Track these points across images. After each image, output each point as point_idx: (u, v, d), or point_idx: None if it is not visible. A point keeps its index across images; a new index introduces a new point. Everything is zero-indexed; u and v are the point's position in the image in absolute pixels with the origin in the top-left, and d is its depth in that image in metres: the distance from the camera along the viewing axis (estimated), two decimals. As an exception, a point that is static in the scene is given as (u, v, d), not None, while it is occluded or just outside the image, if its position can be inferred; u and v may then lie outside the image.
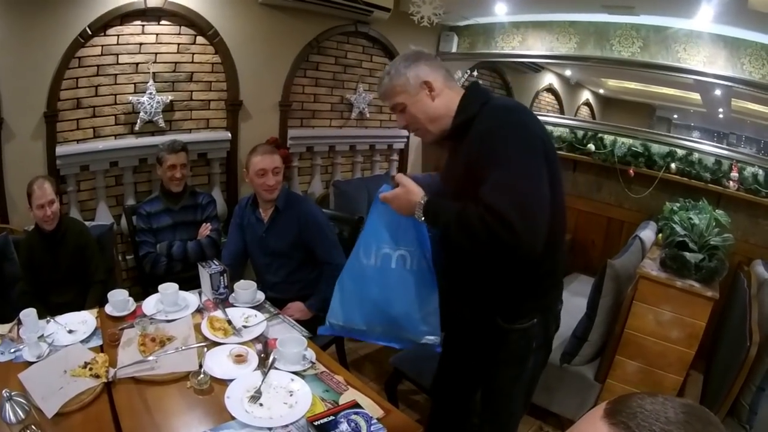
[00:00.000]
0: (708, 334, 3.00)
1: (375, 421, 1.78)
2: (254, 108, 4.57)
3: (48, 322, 2.38)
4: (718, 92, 4.43)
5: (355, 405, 1.88)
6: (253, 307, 2.72)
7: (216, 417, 1.86)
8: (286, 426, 1.80)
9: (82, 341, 2.27)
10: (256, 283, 2.93)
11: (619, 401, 0.79)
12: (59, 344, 2.22)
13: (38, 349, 2.13)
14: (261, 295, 2.84)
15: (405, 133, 5.93)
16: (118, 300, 2.54)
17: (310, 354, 2.27)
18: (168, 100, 4.05)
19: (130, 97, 3.88)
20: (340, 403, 1.97)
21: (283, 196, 3.19)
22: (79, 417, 1.81)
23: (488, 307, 2.06)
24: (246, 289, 2.76)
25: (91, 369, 2.00)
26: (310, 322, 2.98)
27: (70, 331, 2.33)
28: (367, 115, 5.55)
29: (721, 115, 4.56)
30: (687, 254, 3.01)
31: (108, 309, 2.53)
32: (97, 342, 2.30)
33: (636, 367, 3.16)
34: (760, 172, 4.04)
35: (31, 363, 2.07)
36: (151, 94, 3.94)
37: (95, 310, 2.54)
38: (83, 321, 2.43)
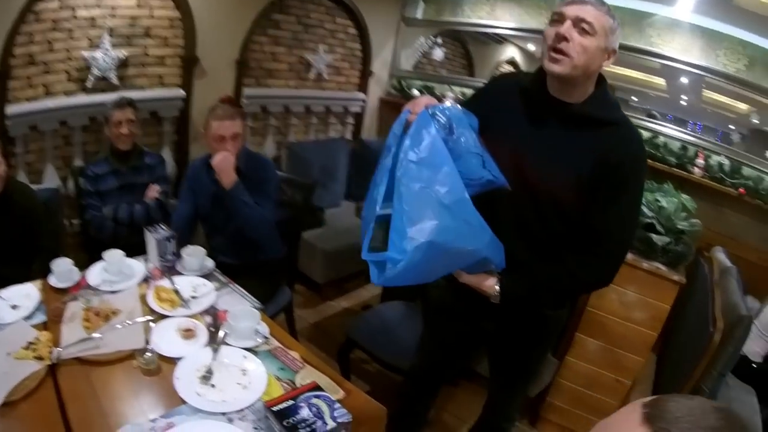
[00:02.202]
0: (669, 317, 3.01)
1: (338, 405, 1.67)
2: (210, 65, 4.41)
3: None
4: (684, 80, 4.47)
5: (316, 387, 1.75)
6: (202, 276, 2.56)
7: (166, 400, 1.73)
8: (241, 410, 1.69)
9: (25, 318, 2.09)
10: (205, 245, 2.80)
11: (656, 405, 0.77)
12: (3, 322, 2.04)
13: None
14: (210, 263, 2.69)
15: (362, 96, 5.88)
16: (62, 270, 2.36)
17: (263, 328, 2.15)
18: (123, 56, 3.86)
19: (84, 53, 3.68)
20: (297, 383, 1.88)
21: (243, 158, 3.03)
22: (24, 406, 1.67)
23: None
24: (194, 255, 2.61)
25: (34, 350, 1.85)
26: (262, 291, 2.88)
27: (14, 307, 2.14)
28: (325, 77, 5.43)
29: (683, 102, 4.62)
30: (654, 236, 2.98)
31: (52, 280, 2.35)
32: (40, 318, 2.12)
33: (597, 346, 3.15)
34: (726, 162, 4.09)
35: None
36: (106, 49, 3.74)
37: (39, 282, 2.36)
38: (27, 295, 2.23)
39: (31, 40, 3.44)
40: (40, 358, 1.81)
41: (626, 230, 1.86)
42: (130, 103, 3.37)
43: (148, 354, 1.85)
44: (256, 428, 1.63)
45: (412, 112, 1.71)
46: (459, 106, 1.74)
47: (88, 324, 2.02)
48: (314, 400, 1.67)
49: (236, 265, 3.07)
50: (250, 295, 2.50)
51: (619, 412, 0.81)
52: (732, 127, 4.51)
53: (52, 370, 1.81)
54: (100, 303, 2.17)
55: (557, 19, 1.72)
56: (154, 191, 3.44)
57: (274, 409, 1.62)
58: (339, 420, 1.60)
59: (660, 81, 4.67)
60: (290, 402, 1.65)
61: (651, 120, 4.45)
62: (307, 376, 1.92)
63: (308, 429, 1.56)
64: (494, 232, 1.70)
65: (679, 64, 4.20)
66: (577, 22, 1.69)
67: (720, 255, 3.80)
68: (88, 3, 3.62)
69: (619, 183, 1.75)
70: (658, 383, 3.74)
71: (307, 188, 3.57)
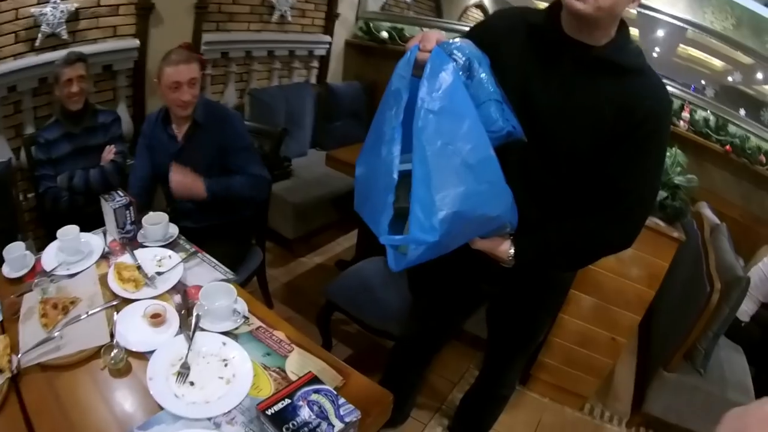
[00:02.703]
0: None
1: (343, 401, 1.46)
2: (167, 11, 4.07)
3: None
4: (660, 32, 4.44)
5: (313, 379, 1.53)
6: (166, 246, 2.33)
7: (142, 407, 1.52)
8: (229, 413, 1.49)
9: None
10: (167, 210, 2.60)
11: None
12: None
13: None
14: (174, 229, 2.45)
15: (327, 39, 5.65)
16: (15, 257, 2.08)
17: (242, 306, 1.92)
18: (73, 8, 3.51)
19: (32, 9, 3.33)
20: (288, 371, 1.67)
21: (201, 108, 2.81)
22: None
23: None
24: (156, 223, 2.37)
25: None
26: (233, 255, 2.80)
27: None
28: (289, 19, 5.14)
29: (655, 55, 4.60)
30: None
31: (5, 270, 2.08)
32: None
33: (592, 303, 3.06)
34: (712, 117, 4.10)
35: None
36: (55, 3, 3.39)
37: (-7, 274, 2.09)
38: None
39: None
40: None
41: (651, 189, 1.73)
42: (80, 58, 3.07)
43: (115, 351, 1.63)
44: (247, 432, 1.43)
45: (421, 49, 1.42)
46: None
47: (46, 320, 1.79)
48: (314, 396, 1.46)
49: (202, 228, 2.85)
50: (221, 265, 2.28)
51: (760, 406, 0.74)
52: (703, 82, 4.53)
53: (14, 381, 1.58)
54: (57, 292, 1.93)
55: None
56: (110, 153, 3.18)
57: (269, 412, 1.40)
58: (347, 419, 1.41)
59: (633, 31, 4.59)
60: (286, 401, 1.43)
61: None
62: (298, 362, 1.72)
63: None
64: None
65: (667, 17, 4.20)
66: None
67: (707, 211, 3.84)
68: (33, -45, 3.27)
69: (645, 138, 1.59)
70: (649, 343, 3.77)
71: (275, 137, 3.36)
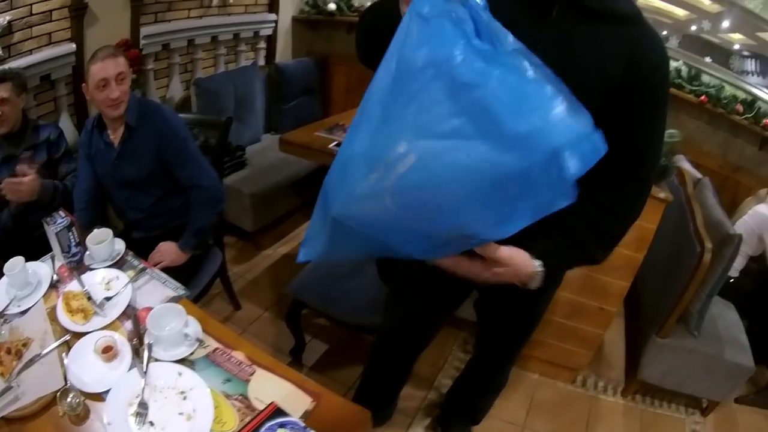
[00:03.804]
0: None
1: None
2: (102, 9, 3.97)
3: None
4: None
5: (277, 411, 1.48)
6: (113, 265, 2.26)
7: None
8: None
9: None
10: (117, 222, 2.62)
11: None
12: None
13: None
14: (121, 245, 2.36)
15: (273, 17, 5.56)
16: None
17: (194, 327, 1.85)
18: (5, 21, 3.42)
19: (-36, 29, 3.24)
20: (251, 398, 1.61)
21: (134, 109, 2.72)
22: None
23: None
24: (100, 242, 2.27)
25: None
26: (188, 261, 2.76)
27: None
28: (230, 1, 5.04)
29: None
30: None
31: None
32: None
33: (578, 273, 2.99)
34: (684, 67, 4.15)
35: None
36: (-14, 18, 3.30)
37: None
38: None
39: None
40: None
41: (661, 149, 1.67)
42: (3, 77, 2.87)
43: (71, 395, 1.58)
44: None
45: None
46: None
47: (2, 368, 1.72)
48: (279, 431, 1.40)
49: (155, 237, 2.81)
50: (171, 280, 2.22)
51: None
52: (665, 32, 4.55)
53: None
54: (9, 334, 1.87)
55: None
56: (29, 174, 2.90)
57: None
58: None
59: None
60: None
61: None
62: (261, 385, 1.66)
63: None
64: None
65: None
66: None
67: (686, 165, 3.82)
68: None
69: (653, 93, 1.52)
70: (639, 307, 3.76)
71: (221, 126, 3.25)
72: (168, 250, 2.73)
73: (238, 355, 1.78)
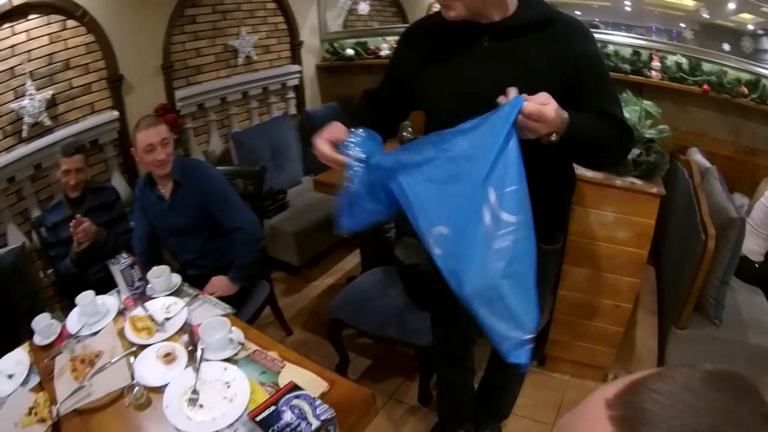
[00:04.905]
0: (655, 228, 3.04)
1: (319, 402, 1.79)
2: (136, 79, 4.50)
3: None
4: None
5: (294, 387, 1.88)
6: (172, 294, 2.71)
7: (162, 431, 1.88)
8: (232, 425, 1.83)
9: (22, 384, 2.24)
10: (172, 263, 3.03)
11: (628, 403, 0.59)
12: (3, 394, 2.19)
13: None
14: (177, 279, 2.82)
15: (297, 68, 6.00)
16: (42, 327, 2.50)
17: (237, 334, 2.28)
18: (49, 96, 3.94)
19: (12, 105, 3.77)
20: (280, 383, 2.01)
21: (178, 167, 3.18)
22: None
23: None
24: (159, 276, 2.75)
25: (36, 413, 2.01)
26: (238, 292, 3.18)
27: (10, 376, 2.29)
28: (255, 58, 5.55)
29: (628, 8, 4.62)
30: None
31: (36, 339, 2.49)
32: (35, 380, 2.27)
33: (586, 274, 3.20)
34: (683, 60, 4.17)
35: None
36: (31, 95, 3.82)
37: (27, 345, 2.50)
38: (19, 361, 2.38)
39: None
40: (43, 420, 1.98)
41: (617, 100, 1.97)
42: (78, 150, 3.46)
43: (136, 389, 2.01)
44: (247, 439, 1.78)
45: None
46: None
47: (76, 374, 2.17)
48: (295, 401, 1.79)
49: (206, 273, 3.25)
50: (220, 302, 2.66)
51: (583, 407, 0.65)
52: (683, 25, 4.55)
53: (56, 427, 1.97)
54: (83, 350, 2.32)
55: None
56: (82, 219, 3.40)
57: (258, 419, 1.75)
58: (322, 417, 1.73)
59: None
60: (272, 408, 1.78)
61: (595, 30, 4.44)
62: (289, 375, 2.05)
63: None
64: None
65: None
66: None
67: (697, 156, 3.89)
68: (3, 55, 3.72)
69: (592, 68, 1.86)
70: (661, 298, 3.83)
71: (256, 175, 3.73)
72: (219, 283, 3.18)
73: (273, 354, 2.19)
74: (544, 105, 1.58)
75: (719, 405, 0.56)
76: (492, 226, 1.57)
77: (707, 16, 4.47)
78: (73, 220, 3.24)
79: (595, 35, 4.10)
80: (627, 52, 4.36)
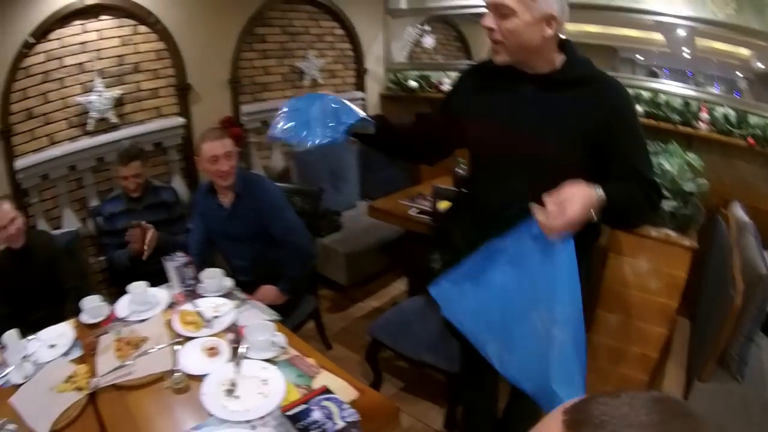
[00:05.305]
0: (692, 280, 3.09)
1: (347, 406, 1.93)
2: (203, 89, 4.71)
3: (29, 340, 2.49)
4: (681, 32, 4.43)
5: (326, 391, 2.02)
6: (222, 296, 2.86)
7: (195, 415, 2.00)
8: (263, 417, 1.94)
9: (63, 354, 2.40)
10: (225, 267, 3.11)
11: (579, 409, 0.72)
12: (43, 361, 2.35)
13: (24, 370, 2.26)
14: (229, 282, 2.97)
15: (360, 94, 6.15)
16: (91, 307, 2.69)
17: (280, 339, 2.41)
18: (117, 95, 4.17)
19: (79, 99, 4.01)
20: (314, 387, 2.11)
21: (240, 180, 3.30)
22: None
23: None
24: (212, 278, 2.90)
25: (74, 382, 2.16)
26: (284, 302, 3.26)
27: (52, 346, 2.46)
28: (320, 81, 5.68)
29: (686, 55, 4.53)
30: None
31: (83, 317, 2.67)
32: (77, 353, 2.43)
33: (617, 320, 3.24)
34: (731, 112, 4.06)
35: (20, 385, 2.20)
36: (99, 91, 4.06)
37: (73, 320, 2.68)
38: (62, 334, 2.56)
39: (26, 95, 3.80)
40: (79, 389, 2.12)
41: (648, 158, 2.06)
42: (134, 156, 3.65)
43: (177, 374, 2.16)
44: (275, 432, 1.90)
45: None
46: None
47: (120, 353, 2.33)
48: (325, 403, 1.95)
49: (255, 281, 3.36)
50: (268, 308, 2.81)
51: (542, 420, 0.78)
52: (739, 74, 4.46)
53: (92, 398, 2.11)
54: (129, 333, 2.49)
55: (485, 8, 1.87)
56: (150, 239, 3.59)
57: (288, 413, 1.90)
58: (347, 419, 1.87)
59: (659, 36, 4.68)
60: (303, 406, 1.93)
61: (652, 79, 4.52)
62: (322, 380, 2.16)
63: (319, 430, 1.83)
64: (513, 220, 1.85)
65: (667, 18, 4.23)
66: (495, 8, 1.82)
67: (737, 211, 3.76)
68: (73, 51, 3.96)
69: (625, 125, 1.95)
70: (691, 351, 3.70)
71: (313, 195, 3.87)
72: (269, 292, 3.30)
73: (311, 361, 2.31)
74: (564, 215, 1.68)
75: (654, 421, 0.67)
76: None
77: (762, 66, 4.37)
78: (136, 227, 3.46)
79: (648, 84, 4.25)
80: (677, 102, 4.26)
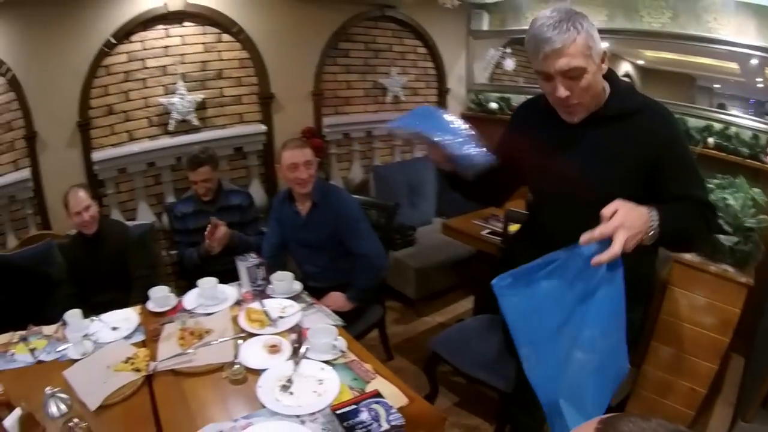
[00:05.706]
0: (747, 317, 3.02)
1: (394, 410, 1.99)
2: (286, 99, 4.86)
3: (92, 321, 2.66)
4: (755, 61, 4.28)
5: (377, 394, 2.09)
6: (290, 298, 2.97)
7: (248, 405, 2.10)
8: (313, 414, 2.03)
9: (125, 337, 2.56)
10: (296, 271, 3.23)
11: (611, 423, 0.79)
12: (103, 341, 2.51)
13: (83, 347, 2.41)
14: (298, 286, 3.09)
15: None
16: (159, 296, 2.85)
17: (341, 343, 2.49)
18: (200, 99, 4.37)
19: (161, 99, 4.23)
20: (366, 390, 2.19)
21: (318, 190, 3.41)
22: (120, 409, 2.09)
23: None
24: (282, 280, 3.03)
25: (132, 363, 2.30)
26: (351, 310, 3.34)
27: (114, 329, 2.63)
28: (402, 98, 5.77)
29: (760, 85, 4.34)
30: (721, 237, 2.96)
31: (150, 305, 2.84)
32: (139, 338, 2.59)
33: (670, 354, 3.21)
34: None
35: (76, 360, 2.36)
36: (181, 94, 4.26)
37: (138, 307, 2.85)
38: (126, 318, 2.73)
39: (107, 92, 4.03)
40: (137, 370, 2.27)
41: (702, 181, 2.06)
42: (205, 161, 3.76)
43: (236, 366, 2.27)
44: (324, 429, 1.96)
45: None
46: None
47: (183, 342, 2.47)
48: (374, 405, 2.02)
49: (325, 287, 3.46)
50: (333, 314, 2.90)
51: (580, 426, 0.84)
52: None
53: (149, 380, 2.25)
54: (194, 324, 2.63)
55: (545, 78, 1.89)
56: (217, 239, 3.67)
57: (338, 412, 1.98)
58: (393, 423, 1.93)
59: (733, 65, 4.63)
60: (353, 406, 2.01)
61: (720, 111, 4.45)
62: (376, 385, 2.23)
63: (365, 430, 1.90)
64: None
65: (738, 48, 4.17)
66: (564, 74, 1.82)
67: None
68: (156, 53, 4.18)
69: (675, 154, 1.98)
70: (741, 389, 3.73)
71: (389, 210, 3.93)
72: (337, 298, 3.39)
73: (368, 366, 2.38)
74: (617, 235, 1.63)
75: None
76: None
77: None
78: (209, 225, 3.58)
79: (720, 115, 4.27)
80: (747, 135, 4.18)
